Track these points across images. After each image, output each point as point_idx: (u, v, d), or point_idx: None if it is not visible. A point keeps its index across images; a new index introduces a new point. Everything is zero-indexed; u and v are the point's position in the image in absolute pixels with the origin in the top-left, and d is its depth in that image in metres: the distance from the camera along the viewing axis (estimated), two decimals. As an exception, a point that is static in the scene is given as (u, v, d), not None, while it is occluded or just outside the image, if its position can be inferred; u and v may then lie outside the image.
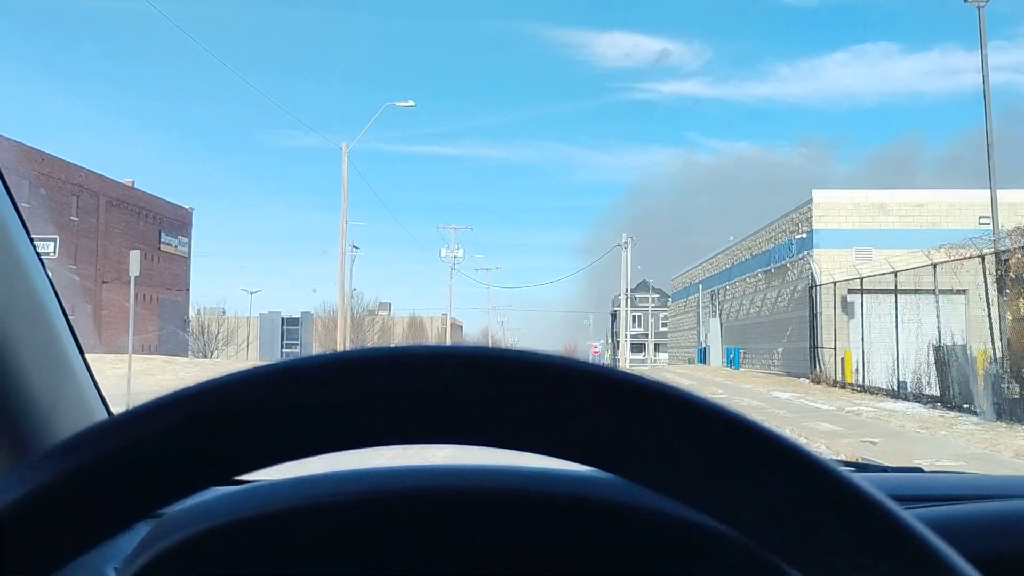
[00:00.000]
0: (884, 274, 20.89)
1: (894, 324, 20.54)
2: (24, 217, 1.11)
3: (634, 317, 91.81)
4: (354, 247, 74.51)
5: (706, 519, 0.42)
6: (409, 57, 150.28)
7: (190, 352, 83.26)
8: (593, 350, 74.23)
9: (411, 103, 31.54)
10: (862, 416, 15.32)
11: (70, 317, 1.16)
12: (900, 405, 18.00)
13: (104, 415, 1.22)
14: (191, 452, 0.41)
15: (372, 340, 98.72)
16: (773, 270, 31.38)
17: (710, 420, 0.40)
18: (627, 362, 50.24)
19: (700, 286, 45.52)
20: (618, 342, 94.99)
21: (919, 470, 1.53)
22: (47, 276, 1.12)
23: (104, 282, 60.34)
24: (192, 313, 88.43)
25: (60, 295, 1.15)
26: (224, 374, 0.41)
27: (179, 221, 73.71)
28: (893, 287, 20.71)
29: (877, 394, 20.85)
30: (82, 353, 1.18)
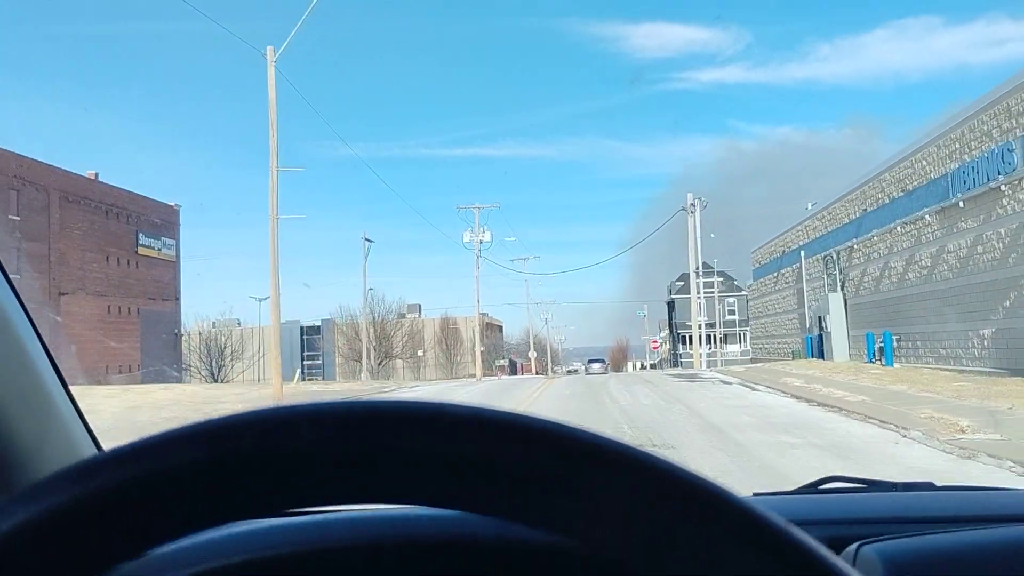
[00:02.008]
0: None
1: None
2: None
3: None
4: (367, 240, 63.63)
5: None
6: (445, 60, 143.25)
7: (189, 374, 73.43)
8: (652, 345, 62.25)
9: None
10: None
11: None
12: None
13: (92, 449, 1.19)
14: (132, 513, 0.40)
15: (400, 346, 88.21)
16: (963, 203, 19.38)
17: (621, 465, 0.39)
18: (703, 360, 38.14)
19: (801, 253, 33.60)
20: (680, 335, 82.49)
21: (931, 486, 1.47)
22: (22, 307, 1.08)
23: (62, 294, 50.19)
24: (193, 325, 78.71)
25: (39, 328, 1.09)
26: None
27: (162, 220, 63.38)
28: None
29: None
30: (66, 387, 1.15)
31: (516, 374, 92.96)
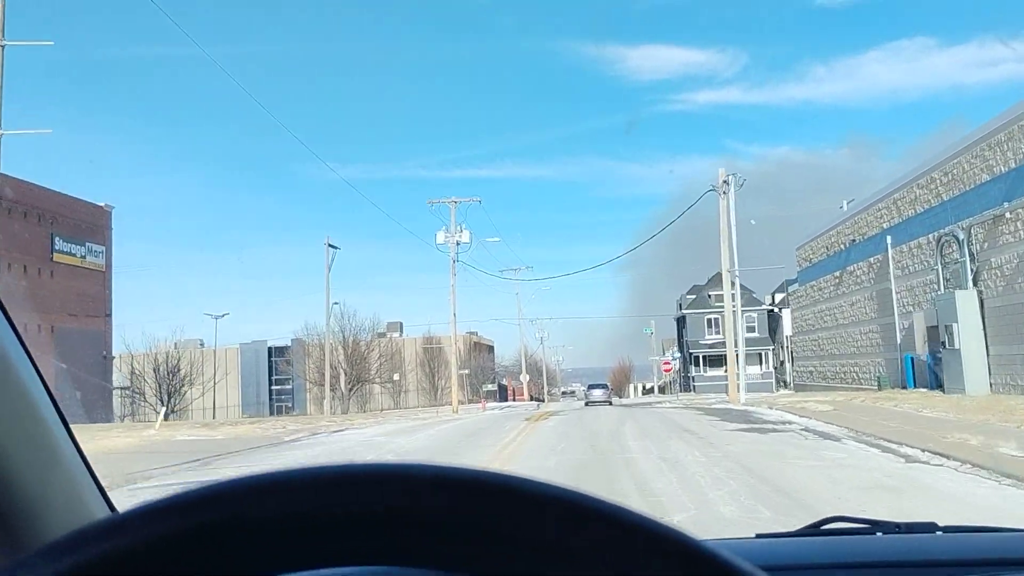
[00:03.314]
0: None
1: None
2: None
3: (708, 321, 69.80)
4: (331, 246, 54.20)
5: None
6: (443, 82, 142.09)
7: (133, 405, 63.93)
8: (664, 367, 52.63)
9: None
10: None
11: None
12: None
13: (101, 503, 1.19)
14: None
15: (375, 368, 78.41)
16: None
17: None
18: (740, 388, 28.59)
19: (888, 239, 24.25)
20: (692, 355, 72.60)
21: (933, 527, 1.45)
22: (26, 351, 1.07)
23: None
24: (145, 347, 68.94)
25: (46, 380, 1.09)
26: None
27: (88, 223, 53.80)
28: None
29: None
30: (71, 433, 1.13)
31: (506, 400, 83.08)
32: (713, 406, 27.92)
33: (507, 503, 0.39)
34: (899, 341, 23.89)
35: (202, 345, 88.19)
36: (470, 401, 67.06)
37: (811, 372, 34.89)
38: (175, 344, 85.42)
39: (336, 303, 57.65)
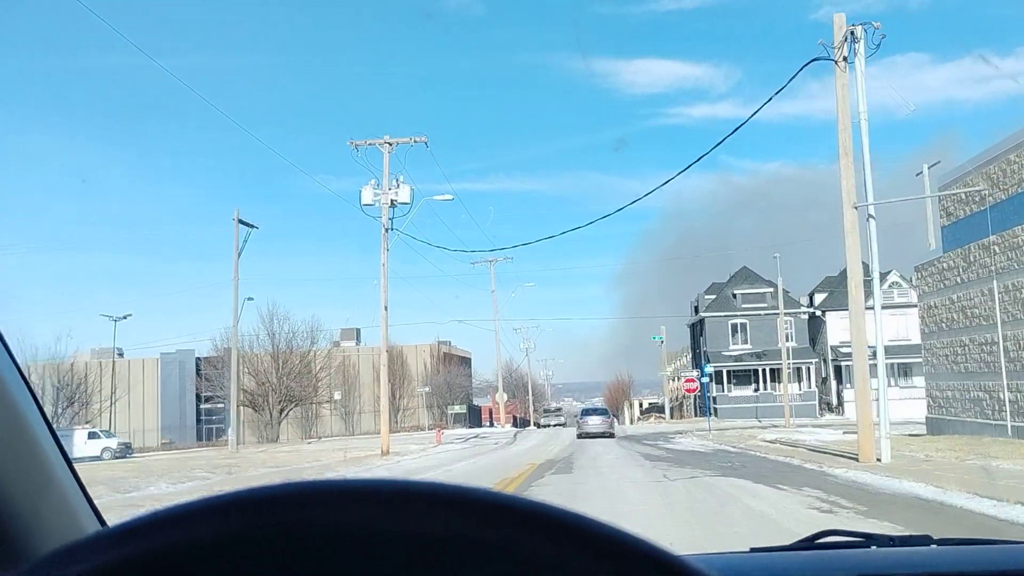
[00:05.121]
0: None
1: None
2: None
3: (734, 327, 55.63)
4: (242, 222, 40.22)
5: None
6: (436, 96, 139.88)
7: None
8: (687, 385, 38.55)
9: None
10: None
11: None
12: None
13: (93, 520, 1.19)
14: None
15: (323, 385, 64.25)
16: None
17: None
18: (883, 439, 14.13)
19: None
20: (714, 368, 58.35)
21: (928, 540, 1.45)
22: (19, 370, 1.08)
23: None
24: (44, 359, 54.62)
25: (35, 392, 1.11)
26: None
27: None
28: None
29: None
30: (64, 454, 1.15)
31: (480, 425, 68.75)
32: (828, 472, 14.20)
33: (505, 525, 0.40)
34: None
35: (120, 355, 73.90)
36: (432, 427, 52.72)
37: (953, 400, 20.91)
38: (92, 351, 71.26)
39: (250, 298, 43.53)
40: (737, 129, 20.69)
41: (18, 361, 1.09)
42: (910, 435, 22.25)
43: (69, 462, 1.16)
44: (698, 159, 19.01)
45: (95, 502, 1.22)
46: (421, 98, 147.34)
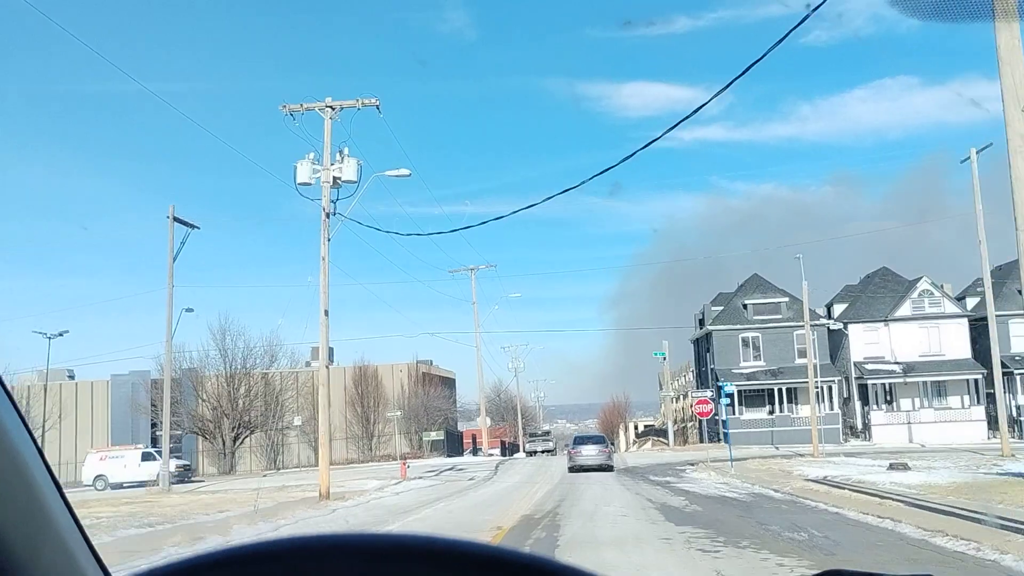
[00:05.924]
0: None
1: None
2: None
3: (745, 340, 49.59)
4: (179, 221, 34.46)
5: None
6: (430, 119, 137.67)
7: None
8: (700, 408, 32.53)
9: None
10: None
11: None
12: None
13: (95, 566, 1.17)
14: None
15: (289, 410, 57.99)
16: None
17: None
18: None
19: None
20: (723, 387, 52.18)
21: None
22: (16, 410, 1.07)
23: None
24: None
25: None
26: None
27: None
28: None
29: None
30: (63, 494, 1.13)
31: (461, 454, 62.33)
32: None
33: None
34: None
35: (71, 377, 67.53)
36: (406, 456, 46.45)
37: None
38: (36, 372, 64.85)
39: (190, 309, 37.42)
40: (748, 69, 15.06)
41: (16, 402, 1.05)
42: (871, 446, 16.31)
43: (70, 507, 1.12)
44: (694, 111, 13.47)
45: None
46: (409, 118, 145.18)
